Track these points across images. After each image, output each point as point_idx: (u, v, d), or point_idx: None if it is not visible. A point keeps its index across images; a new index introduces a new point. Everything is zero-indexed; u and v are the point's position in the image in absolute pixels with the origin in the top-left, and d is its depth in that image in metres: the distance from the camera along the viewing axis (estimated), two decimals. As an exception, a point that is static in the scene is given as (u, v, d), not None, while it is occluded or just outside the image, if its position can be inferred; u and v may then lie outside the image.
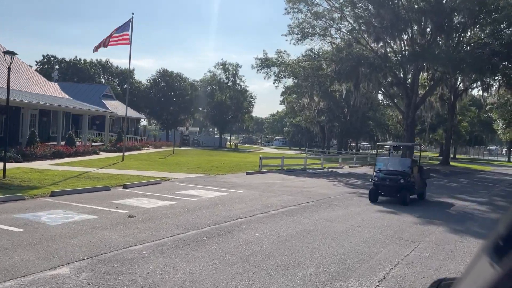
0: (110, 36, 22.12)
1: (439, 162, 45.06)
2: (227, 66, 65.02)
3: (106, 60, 70.94)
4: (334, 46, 33.37)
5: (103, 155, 27.64)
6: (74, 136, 28.13)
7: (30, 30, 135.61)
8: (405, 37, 32.30)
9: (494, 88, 38.56)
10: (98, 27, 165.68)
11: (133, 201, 11.35)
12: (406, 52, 30.69)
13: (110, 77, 72.17)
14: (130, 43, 23.48)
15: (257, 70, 34.72)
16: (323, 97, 37.66)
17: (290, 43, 33.34)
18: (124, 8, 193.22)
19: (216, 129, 79.50)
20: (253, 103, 70.97)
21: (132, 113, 50.85)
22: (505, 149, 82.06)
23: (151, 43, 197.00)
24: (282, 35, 33.04)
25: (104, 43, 21.97)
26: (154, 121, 72.07)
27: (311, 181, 19.53)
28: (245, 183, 17.03)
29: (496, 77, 34.50)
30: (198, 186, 15.18)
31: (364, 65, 28.27)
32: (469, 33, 33.09)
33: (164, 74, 63.40)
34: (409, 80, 33.97)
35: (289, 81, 36.99)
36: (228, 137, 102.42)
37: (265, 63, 34.47)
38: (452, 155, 61.54)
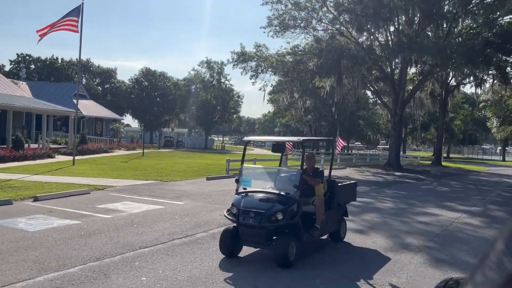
0: (54, 23, 19.59)
1: (430, 162, 42.69)
2: (211, 64, 62.42)
3: (87, 59, 68.17)
4: (315, 37, 30.88)
5: (58, 158, 25.00)
6: (23, 138, 25.45)
7: (10, 30, 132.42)
8: (392, 28, 29.89)
9: (487, 85, 36.43)
10: (84, 27, 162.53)
11: (22, 220, 8.74)
12: (392, 44, 28.22)
13: (92, 77, 69.43)
14: (81, 32, 21.04)
15: (233, 65, 32.17)
16: (306, 94, 35.07)
17: (268, 36, 30.58)
18: (113, 8, 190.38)
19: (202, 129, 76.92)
20: (240, 103, 68.57)
21: (107, 113, 48.13)
22: (500, 148, 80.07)
23: (144, 45, 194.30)
24: (260, 27, 30.51)
25: (48, 31, 19.41)
26: (137, 121, 69.36)
27: (279, 188, 16.95)
28: (197, 191, 14.45)
29: (490, 72, 32.21)
30: (133, 196, 12.58)
31: (346, 58, 25.76)
32: (460, 23, 30.69)
33: (147, 73, 60.67)
34: (396, 75, 31.55)
35: (267, 77, 34.38)
36: (219, 138, 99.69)
37: (242, 57, 31.91)
38: (445, 155, 59.34)
